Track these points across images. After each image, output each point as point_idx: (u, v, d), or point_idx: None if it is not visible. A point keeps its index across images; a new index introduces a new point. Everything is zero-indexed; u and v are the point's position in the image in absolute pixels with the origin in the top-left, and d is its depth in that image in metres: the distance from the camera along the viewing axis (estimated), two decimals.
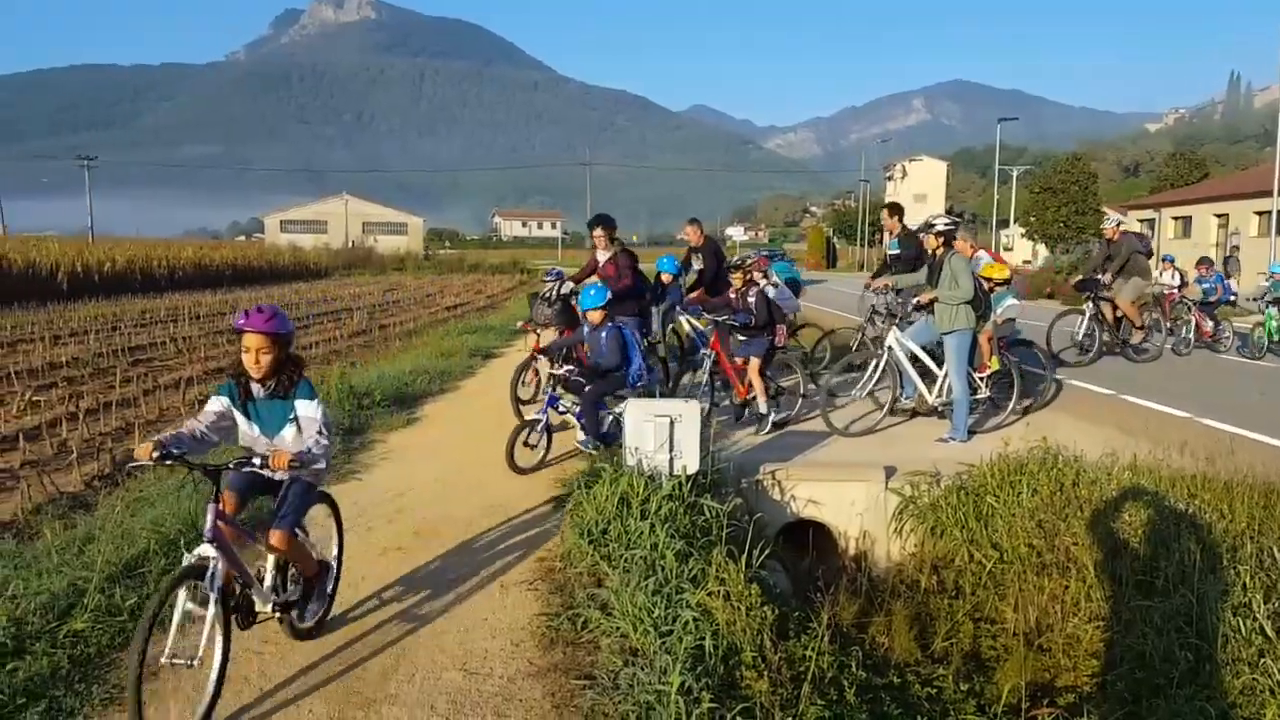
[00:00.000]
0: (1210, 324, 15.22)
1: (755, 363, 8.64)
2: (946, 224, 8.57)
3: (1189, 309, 14.84)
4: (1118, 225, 14.28)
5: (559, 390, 7.85)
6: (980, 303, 8.40)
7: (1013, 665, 5.29)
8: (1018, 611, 5.76)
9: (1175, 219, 44.48)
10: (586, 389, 7.64)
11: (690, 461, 6.07)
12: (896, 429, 8.98)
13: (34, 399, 10.54)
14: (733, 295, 8.91)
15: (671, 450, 6.04)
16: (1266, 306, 14.83)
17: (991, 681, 5.09)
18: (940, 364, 8.68)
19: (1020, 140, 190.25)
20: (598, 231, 9.79)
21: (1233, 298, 16.78)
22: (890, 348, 8.73)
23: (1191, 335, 14.62)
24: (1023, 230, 62.00)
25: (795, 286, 16.24)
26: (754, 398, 8.80)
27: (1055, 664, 5.38)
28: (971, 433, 8.52)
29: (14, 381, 11.54)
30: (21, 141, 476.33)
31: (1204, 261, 15.94)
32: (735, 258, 9.22)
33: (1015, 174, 64.18)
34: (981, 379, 8.97)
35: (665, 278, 10.45)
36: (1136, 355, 13.51)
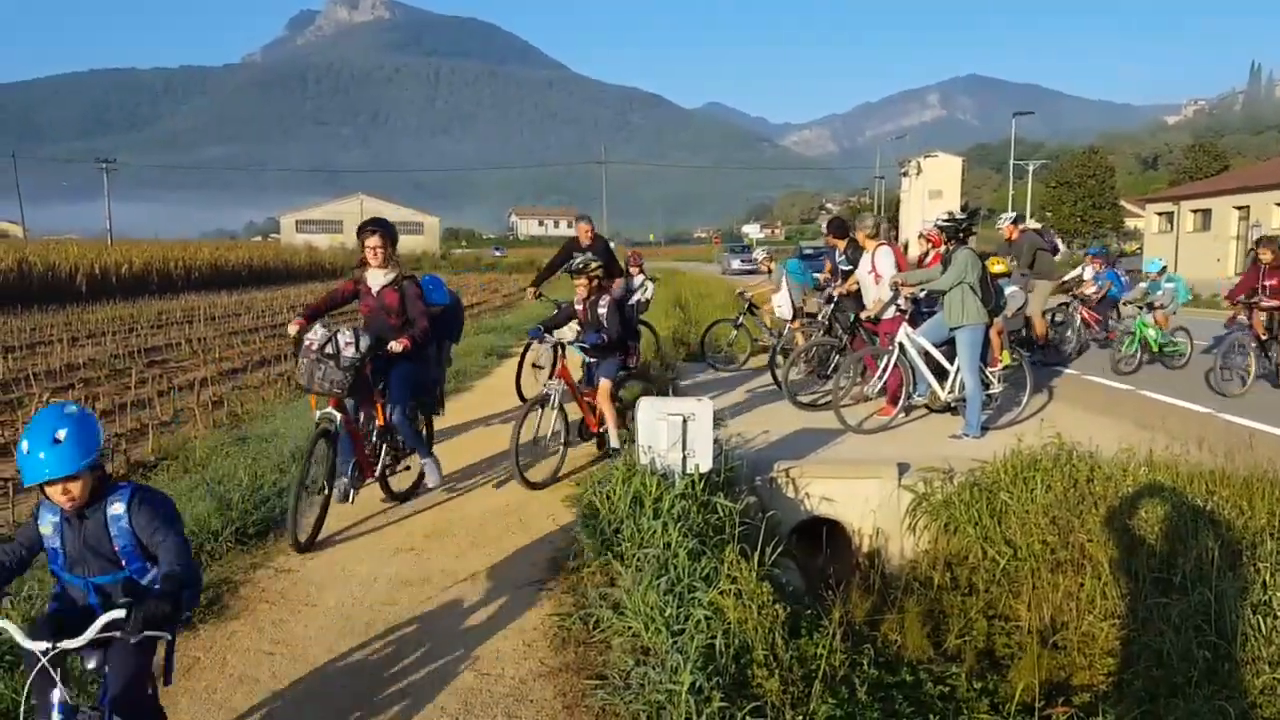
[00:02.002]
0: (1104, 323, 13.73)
1: (605, 386, 7.44)
2: (944, 221, 8.59)
3: (1075, 308, 13.47)
4: (1013, 223, 13.09)
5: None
6: (991, 297, 8.36)
7: (1027, 663, 5.25)
8: (1032, 609, 5.72)
9: (1194, 212, 44.05)
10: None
11: (703, 460, 6.05)
12: (909, 425, 8.94)
13: (52, 400, 10.61)
14: (579, 307, 7.50)
15: (684, 449, 6.02)
16: (1141, 311, 12.30)
17: (1005, 679, 5.06)
18: (952, 360, 8.65)
19: (1037, 135, 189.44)
20: (373, 241, 6.24)
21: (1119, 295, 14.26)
22: (902, 345, 8.68)
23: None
24: (1039, 225, 61.71)
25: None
26: (605, 430, 7.63)
27: (1070, 662, 5.34)
28: (984, 429, 8.46)
29: (32, 383, 11.64)
30: (44, 145, 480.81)
31: (1099, 256, 14.94)
32: (579, 259, 7.58)
33: (1031, 169, 63.78)
34: (993, 373, 8.92)
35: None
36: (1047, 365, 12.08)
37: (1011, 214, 13.60)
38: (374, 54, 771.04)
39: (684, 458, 6.00)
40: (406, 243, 70.93)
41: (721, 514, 5.63)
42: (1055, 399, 10.31)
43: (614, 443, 7.43)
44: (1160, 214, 48.13)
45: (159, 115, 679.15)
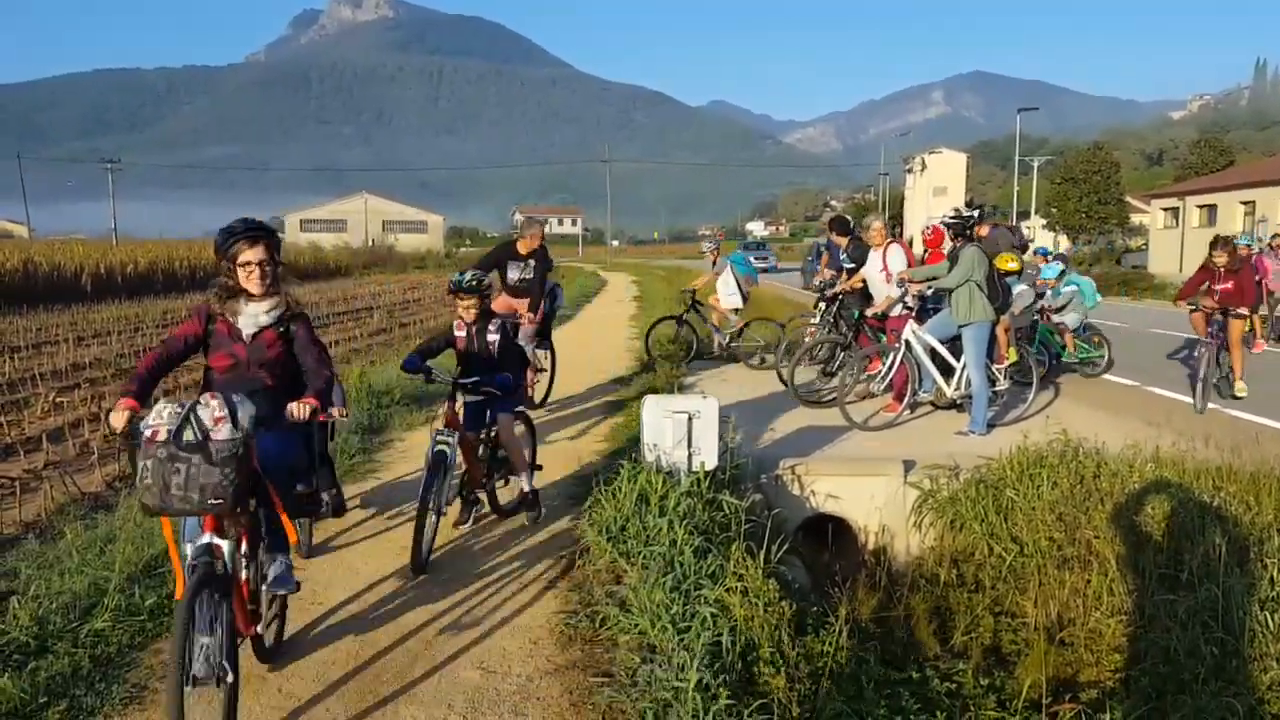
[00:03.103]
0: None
1: (509, 422, 6.05)
2: (951, 218, 8.61)
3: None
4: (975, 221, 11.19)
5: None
6: (998, 294, 8.35)
7: (1033, 660, 5.25)
8: (1038, 606, 5.72)
9: (1200, 207, 43.94)
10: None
11: (709, 458, 6.05)
12: (915, 422, 8.93)
13: (57, 400, 10.64)
14: (459, 334, 5.97)
15: (690, 446, 6.02)
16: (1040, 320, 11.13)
17: (1012, 676, 5.05)
18: (958, 356, 8.64)
19: (1042, 131, 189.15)
20: (253, 254, 4.26)
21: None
22: (908, 342, 8.68)
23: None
24: (1044, 221, 61.52)
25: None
26: (497, 480, 6.29)
27: (1077, 659, 5.33)
28: (990, 425, 8.45)
29: (38, 383, 11.66)
30: (48, 145, 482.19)
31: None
32: (468, 273, 6.04)
33: (1036, 165, 63.63)
34: (999, 370, 8.91)
35: None
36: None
37: (987, 209, 13.14)
38: (377, 53, 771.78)
39: (689, 455, 6.00)
40: (411, 241, 71.02)
41: (727, 511, 5.62)
42: (1061, 396, 10.30)
43: (527, 485, 6.18)
44: (1165, 210, 48.03)
45: (163, 115, 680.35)
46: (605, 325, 19.86)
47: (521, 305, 9.11)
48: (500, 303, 8.96)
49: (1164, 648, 4.87)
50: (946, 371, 8.79)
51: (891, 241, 9.66)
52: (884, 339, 9.81)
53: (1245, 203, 40.07)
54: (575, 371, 11.85)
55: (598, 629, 4.53)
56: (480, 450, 6.05)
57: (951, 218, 8.63)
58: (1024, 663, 5.32)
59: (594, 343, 16.01)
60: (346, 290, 33.88)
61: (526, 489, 6.22)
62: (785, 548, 5.22)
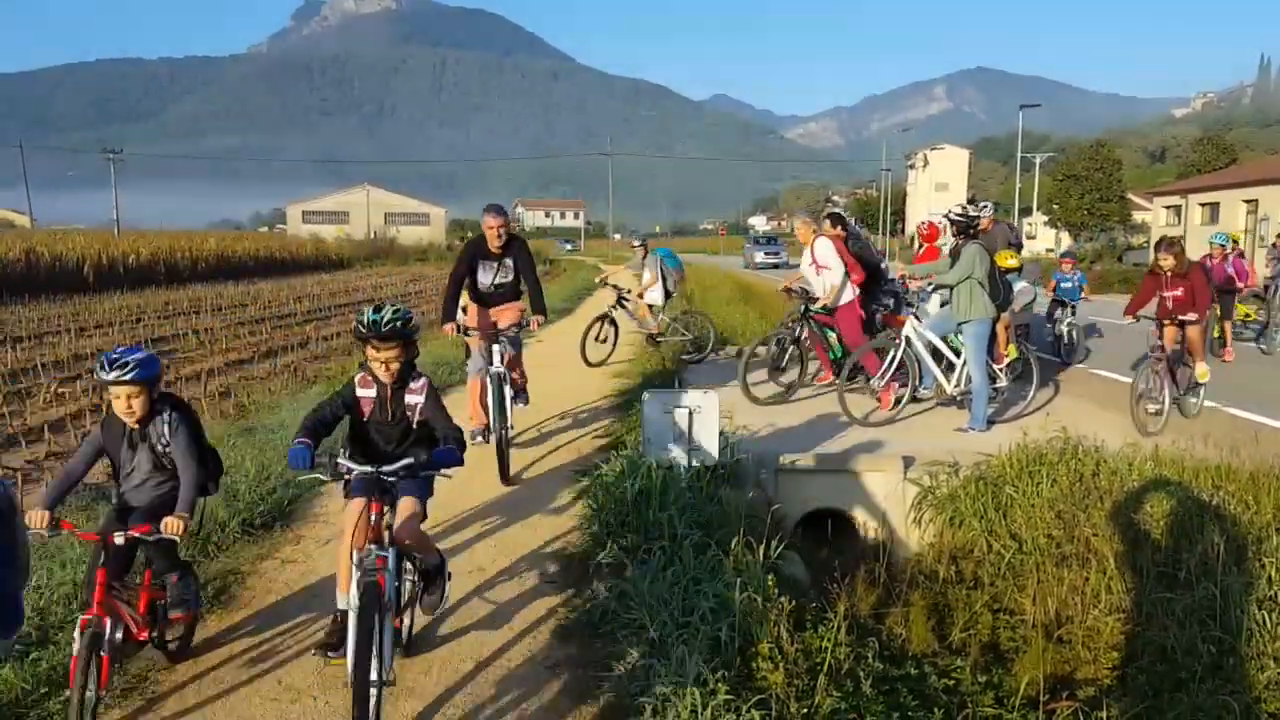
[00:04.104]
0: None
1: (412, 512, 4.06)
2: (958, 215, 8.58)
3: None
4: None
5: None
6: (999, 292, 8.35)
7: (1032, 657, 5.26)
8: (1037, 603, 5.72)
9: (1202, 205, 43.90)
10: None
11: (709, 452, 6.07)
12: (915, 419, 8.94)
13: (59, 391, 10.66)
14: (363, 393, 4.17)
15: (690, 442, 6.04)
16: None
17: (1010, 673, 5.06)
18: (958, 353, 8.65)
19: (1044, 128, 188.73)
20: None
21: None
22: (908, 338, 8.68)
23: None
24: (1045, 218, 61.46)
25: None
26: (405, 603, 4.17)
27: (1075, 656, 5.34)
28: (990, 422, 8.46)
29: (40, 374, 11.67)
30: (50, 135, 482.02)
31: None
32: (385, 309, 4.08)
33: (1038, 161, 63.55)
34: (1000, 369, 8.92)
35: None
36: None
37: (989, 204, 12.77)
38: (379, 44, 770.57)
39: (690, 450, 6.02)
40: (412, 233, 70.91)
41: (727, 506, 5.64)
42: (1061, 393, 10.31)
43: (446, 589, 4.34)
44: (1168, 207, 48.00)
45: (165, 105, 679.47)
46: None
47: (502, 315, 7.52)
48: (472, 316, 7.54)
49: (1161, 646, 4.88)
50: (947, 368, 8.81)
51: (818, 234, 9.56)
52: (830, 335, 9.76)
53: (1248, 201, 40.00)
54: (576, 372, 11.86)
55: (598, 623, 4.55)
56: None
57: (958, 214, 8.60)
58: (1022, 660, 5.33)
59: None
60: (348, 282, 33.88)
61: (445, 591, 4.33)
62: (785, 543, 5.23)
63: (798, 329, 9.86)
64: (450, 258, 50.69)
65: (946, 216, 8.87)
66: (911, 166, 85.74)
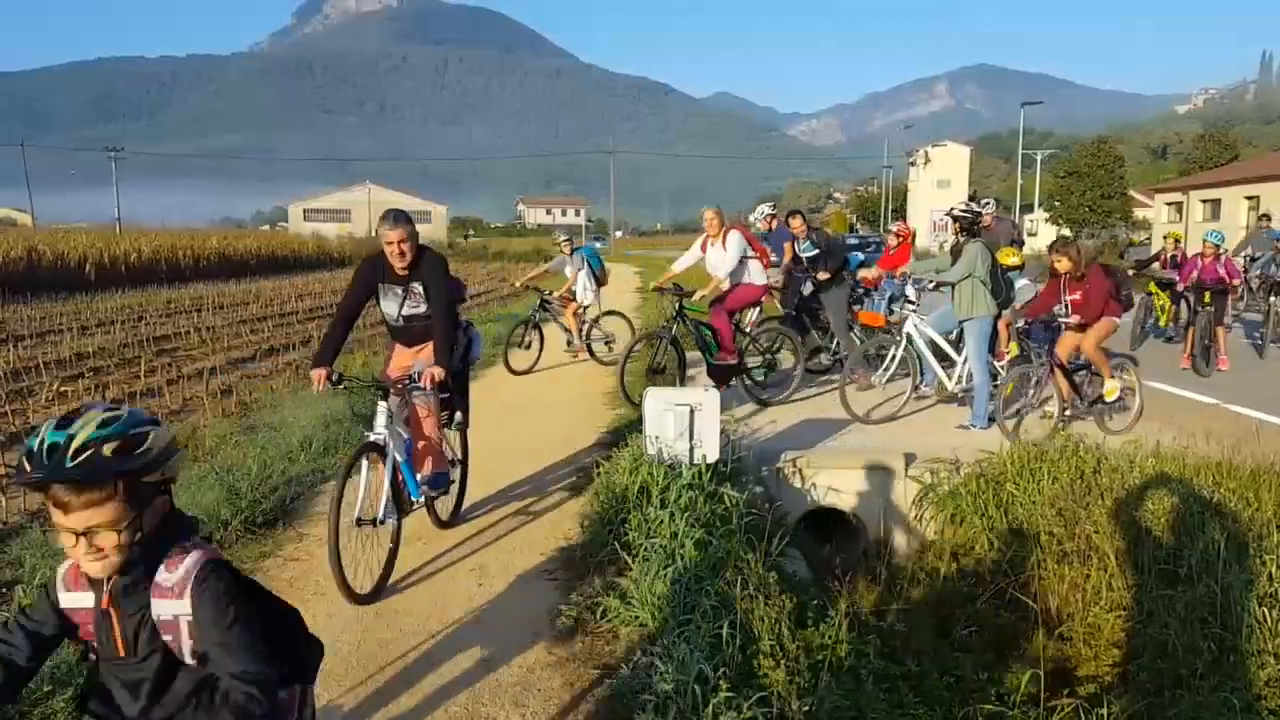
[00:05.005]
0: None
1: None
2: (962, 212, 8.57)
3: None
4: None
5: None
6: (1000, 289, 8.35)
7: (1032, 654, 5.26)
8: (1038, 600, 5.73)
9: (1204, 202, 43.87)
10: None
11: (710, 450, 6.07)
12: (916, 416, 8.93)
13: (61, 389, 10.66)
14: (72, 605, 2.10)
15: (692, 439, 6.04)
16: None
17: (1011, 670, 5.07)
18: (959, 350, 8.65)
19: (1046, 124, 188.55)
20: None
21: None
22: (909, 335, 8.68)
23: None
24: (1047, 215, 61.40)
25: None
26: None
27: (1075, 653, 5.35)
28: (991, 420, 8.46)
29: (42, 372, 11.68)
30: (52, 133, 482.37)
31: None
32: (78, 427, 1.90)
33: (1040, 158, 63.51)
34: (1001, 366, 8.92)
35: None
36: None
37: (990, 201, 12.42)
38: (381, 42, 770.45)
39: (691, 448, 6.02)
40: None
41: (728, 504, 5.64)
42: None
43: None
44: (1169, 204, 47.95)
45: (167, 104, 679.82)
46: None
47: (414, 356, 5.68)
48: (394, 359, 5.81)
49: (1162, 643, 4.88)
50: (948, 365, 8.81)
51: (729, 228, 9.22)
52: (707, 333, 9.25)
53: (1249, 197, 39.99)
54: (575, 371, 11.86)
55: (598, 621, 4.55)
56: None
57: (963, 211, 8.60)
58: (1023, 657, 5.33)
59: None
60: (350, 280, 33.82)
61: None
62: (786, 540, 5.24)
63: (673, 327, 9.33)
64: (453, 256, 50.58)
65: (949, 214, 8.87)
66: (913, 163, 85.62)
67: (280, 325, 18.25)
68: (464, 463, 6.19)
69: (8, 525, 5.94)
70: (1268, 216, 16.78)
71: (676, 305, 9.28)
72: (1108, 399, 8.16)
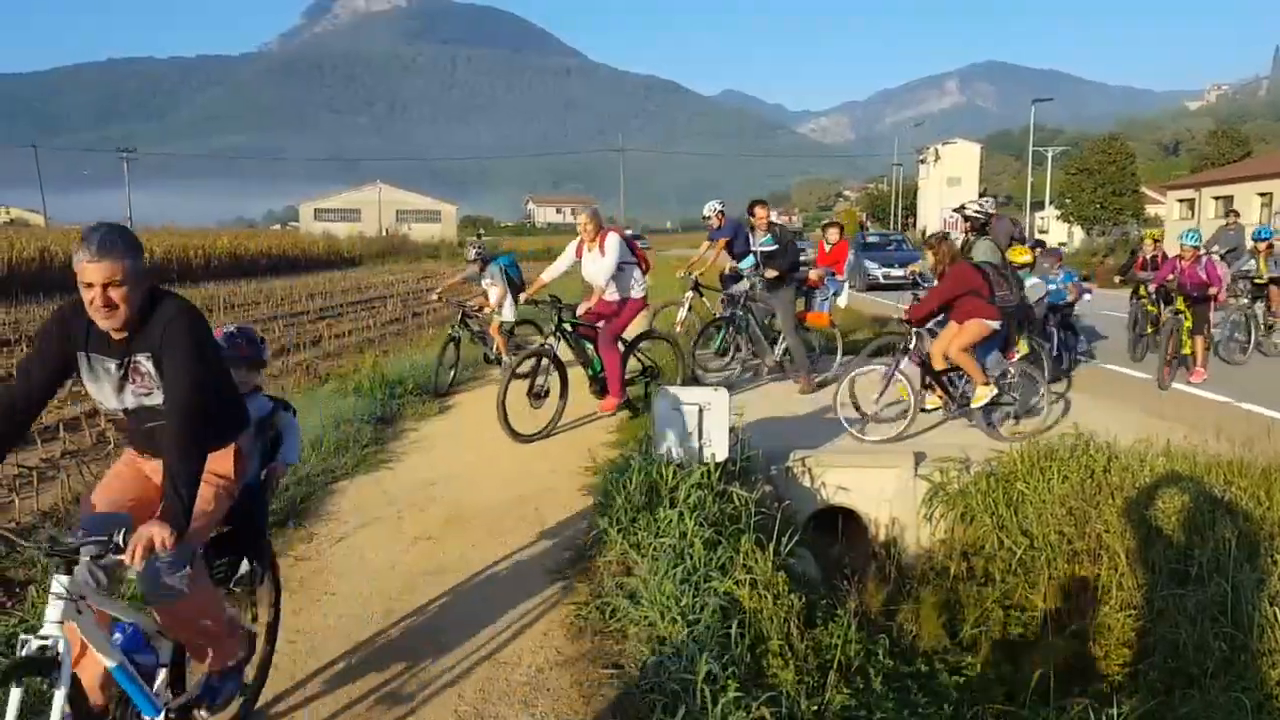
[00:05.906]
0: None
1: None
2: (975, 211, 8.56)
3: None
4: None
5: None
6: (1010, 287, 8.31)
7: (1042, 653, 5.26)
8: (1048, 599, 5.73)
9: (1216, 198, 43.61)
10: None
11: (719, 449, 6.07)
12: (925, 415, 8.90)
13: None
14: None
15: (700, 438, 6.05)
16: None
17: (1021, 670, 5.07)
18: None
19: (1057, 121, 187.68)
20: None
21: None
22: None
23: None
24: (1058, 212, 61.12)
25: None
26: None
27: (1086, 652, 5.34)
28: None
29: None
30: (63, 135, 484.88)
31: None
32: None
33: (1051, 155, 63.21)
34: (1010, 365, 8.88)
35: None
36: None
37: (990, 199, 11.97)
38: (390, 42, 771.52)
39: (700, 447, 6.03)
40: (424, 231, 70.92)
41: (737, 503, 5.65)
42: (1072, 389, 10.25)
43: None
44: (1181, 200, 47.70)
45: (177, 104, 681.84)
46: None
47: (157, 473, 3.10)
48: (119, 485, 3.29)
49: (1173, 642, 4.87)
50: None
51: (608, 231, 8.54)
52: (587, 346, 8.47)
53: (1262, 194, 39.75)
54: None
55: (607, 620, 4.56)
56: None
57: (975, 210, 8.60)
58: (1033, 656, 5.33)
59: None
60: (360, 279, 33.98)
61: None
62: (795, 540, 5.24)
63: (555, 345, 8.43)
64: (460, 257, 47.99)
65: (960, 211, 8.86)
66: (923, 161, 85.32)
67: (291, 325, 18.31)
68: (271, 635, 3.89)
69: (21, 525, 5.97)
70: (1236, 213, 16.57)
71: (555, 318, 8.36)
72: (974, 404, 7.73)
